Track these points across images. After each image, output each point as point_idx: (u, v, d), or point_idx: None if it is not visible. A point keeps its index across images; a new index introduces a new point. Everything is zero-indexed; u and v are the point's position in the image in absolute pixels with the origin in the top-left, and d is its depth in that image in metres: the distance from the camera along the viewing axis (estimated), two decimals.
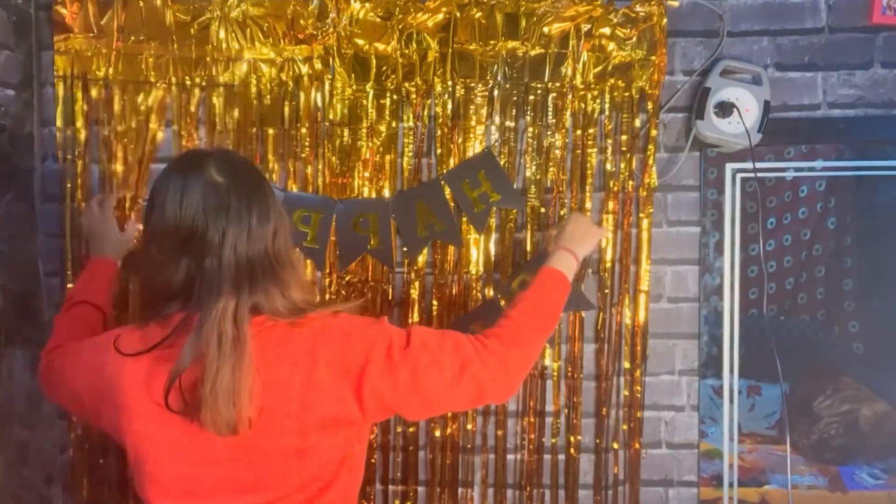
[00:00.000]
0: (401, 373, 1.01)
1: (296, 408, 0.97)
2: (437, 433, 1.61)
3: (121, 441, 1.03)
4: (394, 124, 1.58)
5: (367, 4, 1.55)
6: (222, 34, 1.55)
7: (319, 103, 1.58)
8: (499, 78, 1.57)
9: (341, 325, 1.03)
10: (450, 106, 1.58)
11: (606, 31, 1.55)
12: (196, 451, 0.98)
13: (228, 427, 0.93)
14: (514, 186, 1.58)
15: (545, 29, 1.55)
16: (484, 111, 1.58)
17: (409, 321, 1.60)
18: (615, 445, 1.62)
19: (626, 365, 1.61)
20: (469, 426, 1.61)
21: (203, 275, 0.97)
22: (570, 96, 1.57)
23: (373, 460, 1.62)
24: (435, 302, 1.60)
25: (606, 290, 1.59)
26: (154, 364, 0.98)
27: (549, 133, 1.58)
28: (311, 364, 0.98)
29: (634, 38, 1.55)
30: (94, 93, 1.57)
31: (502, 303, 1.56)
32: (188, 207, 0.97)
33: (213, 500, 1.00)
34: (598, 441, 1.62)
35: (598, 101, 1.57)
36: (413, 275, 1.60)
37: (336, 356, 0.99)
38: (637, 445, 1.61)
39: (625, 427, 1.62)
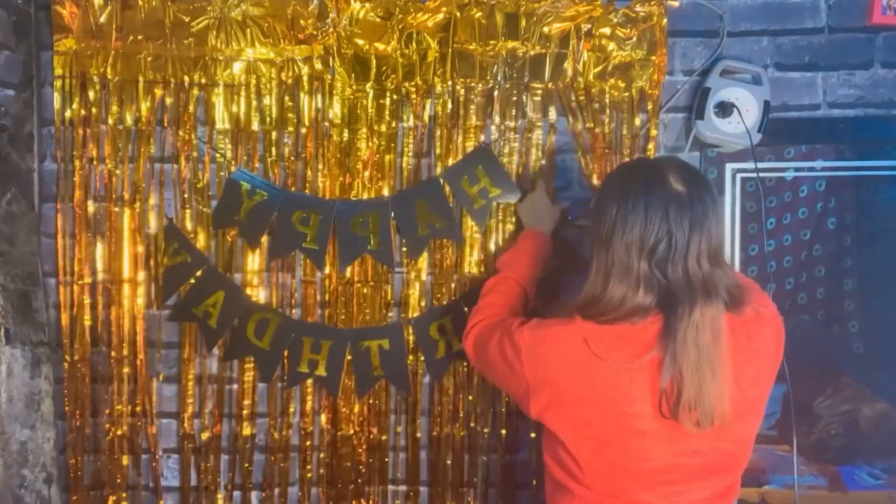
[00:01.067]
0: None
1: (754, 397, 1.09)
2: (435, 433, 1.61)
3: (562, 431, 1.09)
4: (394, 124, 1.58)
5: (367, 4, 1.55)
6: (222, 34, 1.55)
7: (319, 103, 1.58)
8: (499, 78, 1.57)
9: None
10: (450, 106, 1.58)
11: (606, 30, 1.55)
12: (680, 444, 1.05)
13: (708, 423, 1.01)
14: (513, 181, 1.58)
15: (545, 29, 1.55)
16: (484, 111, 1.58)
17: (409, 321, 1.60)
18: None
19: None
20: (472, 424, 1.61)
21: (671, 283, 1.03)
22: (570, 96, 1.57)
23: (371, 460, 1.63)
24: (434, 302, 1.60)
25: None
26: (638, 370, 1.04)
27: (548, 133, 1.58)
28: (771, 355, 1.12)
29: (634, 38, 1.55)
30: (92, 93, 1.57)
31: None
32: (653, 219, 1.03)
33: (690, 485, 1.08)
34: None
35: (599, 101, 1.57)
36: (413, 275, 1.60)
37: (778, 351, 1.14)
38: None
39: None
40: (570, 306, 1.11)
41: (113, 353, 1.59)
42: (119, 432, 1.61)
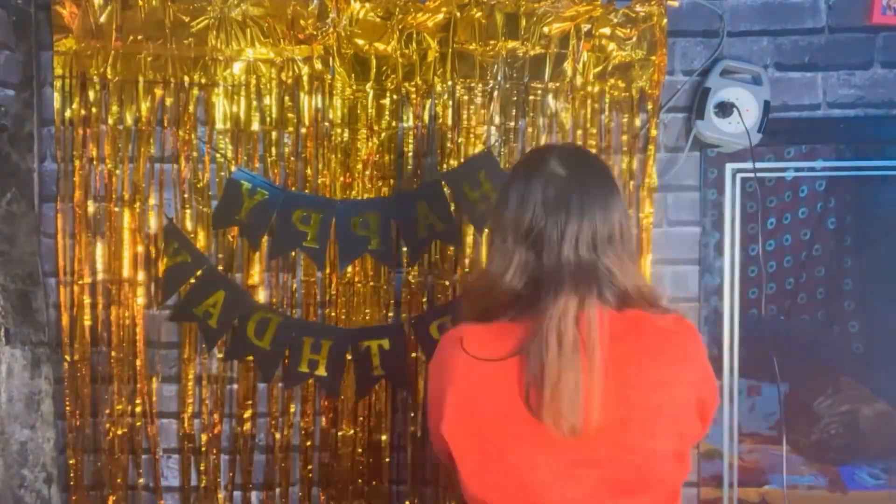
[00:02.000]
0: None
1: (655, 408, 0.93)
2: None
3: (451, 444, 0.96)
4: (394, 124, 1.58)
5: (367, 4, 1.55)
6: (222, 34, 1.55)
7: (319, 103, 1.58)
8: (499, 78, 1.57)
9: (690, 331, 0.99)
10: (450, 106, 1.58)
11: (606, 31, 1.55)
12: (568, 453, 0.92)
13: (572, 428, 0.89)
14: None
15: (545, 29, 1.55)
16: (484, 111, 1.58)
17: (409, 321, 1.60)
18: None
19: None
20: None
21: (545, 270, 0.94)
22: (570, 96, 1.57)
23: (371, 460, 1.63)
24: (435, 302, 1.60)
25: None
26: (511, 366, 0.94)
27: (548, 133, 1.58)
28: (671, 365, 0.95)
29: (634, 38, 1.55)
30: (92, 93, 1.57)
31: None
32: (529, 202, 0.96)
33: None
34: None
35: (599, 101, 1.57)
36: (413, 275, 1.60)
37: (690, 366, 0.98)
38: None
39: None
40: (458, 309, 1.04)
41: (113, 353, 1.59)
42: (119, 432, 1.61)
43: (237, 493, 1.64)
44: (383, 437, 1.62)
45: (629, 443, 0.92)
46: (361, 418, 1.62)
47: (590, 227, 0.94)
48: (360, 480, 1.62)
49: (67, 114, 1.57)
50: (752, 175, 1.57)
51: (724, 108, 1.51)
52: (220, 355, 1.61)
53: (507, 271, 0.96)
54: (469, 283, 1.02)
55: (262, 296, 1.60)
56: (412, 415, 1.61)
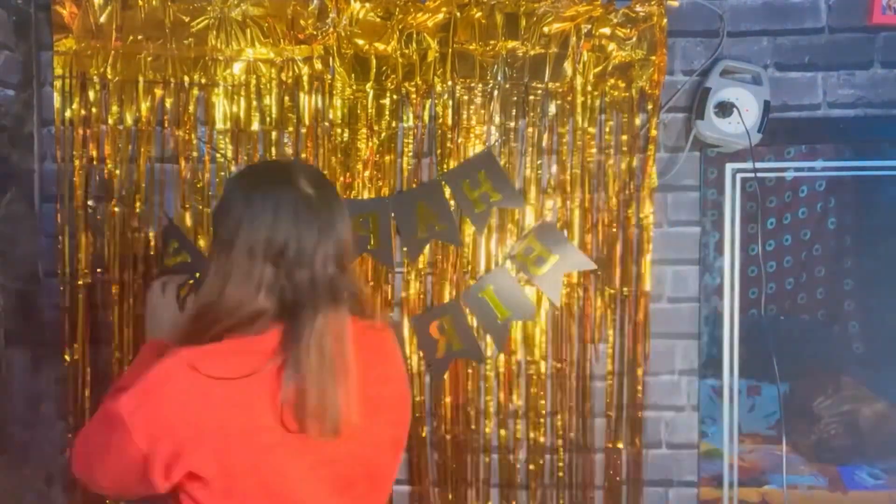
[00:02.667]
0: None
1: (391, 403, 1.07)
2: (445, 434, 1.61)
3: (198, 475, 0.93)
4: (394, 124, 1.58)
5: (367, 4, 1.55)
6: (222, 34, 1.55)
7: (319, 103, 1.58)
8: (499, 78, 1.57)
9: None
10: (450, 106, 1.58)
11: (606, 31, 1.55)
12: (313, 455, 0.96)
13: (334, 431, 0.95)
14: (515, 187, 1.58)
15: (545, 29, 1.55)
16: (484, 111, 1.58)
17: (408, 321, 1.60)
18: (618, 445, 1.62)
19: (627, 365, 1.61)
20: (473, 426, 1.61)
21: (297, 287, 0.95)
22: (569, 96, 1.57)
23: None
24: (435, 302, 1.60)
25: (612, 291, 1.59)
26: (259, 381, 0.93)
27: (548, 133, 1.58)
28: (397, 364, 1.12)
29: (634, 38, 1.55)
30: (92, 93, 1.57)
31: (519, 280, 1.56)
32: (282, 220, 0.96)
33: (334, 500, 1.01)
34: (606, 442, 1.62)
35: (599, 101, 1.57)
36: (413, 275, 1.60)
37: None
38: (638, 445, 1.61)
39: (626, 427, 1.62)
40: (178, 332, 1.01)
41: (113, 354, 1.59)
42: None
43: None
44: None
45: (363, 437, 1.00)
46: None
47: (336, 245, 0.98)
48: None
49: (67, 114, 1.57)
50: (752, 175, 1.57)
51: (724, 108, 1.51)
52: None
53: (255, 289, 0.95)
54: (203, 304, 0.98)
55: None
56: (417, 415, 1.61)
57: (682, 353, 1.62)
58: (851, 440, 1.61)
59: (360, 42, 1.56)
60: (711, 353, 1.62)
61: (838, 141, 1.59)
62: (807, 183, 1.60)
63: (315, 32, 1.56)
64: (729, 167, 1.60)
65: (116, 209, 1.58)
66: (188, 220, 1.59)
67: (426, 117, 1.59)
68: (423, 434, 1.62)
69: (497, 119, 1.58)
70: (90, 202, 1.59)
